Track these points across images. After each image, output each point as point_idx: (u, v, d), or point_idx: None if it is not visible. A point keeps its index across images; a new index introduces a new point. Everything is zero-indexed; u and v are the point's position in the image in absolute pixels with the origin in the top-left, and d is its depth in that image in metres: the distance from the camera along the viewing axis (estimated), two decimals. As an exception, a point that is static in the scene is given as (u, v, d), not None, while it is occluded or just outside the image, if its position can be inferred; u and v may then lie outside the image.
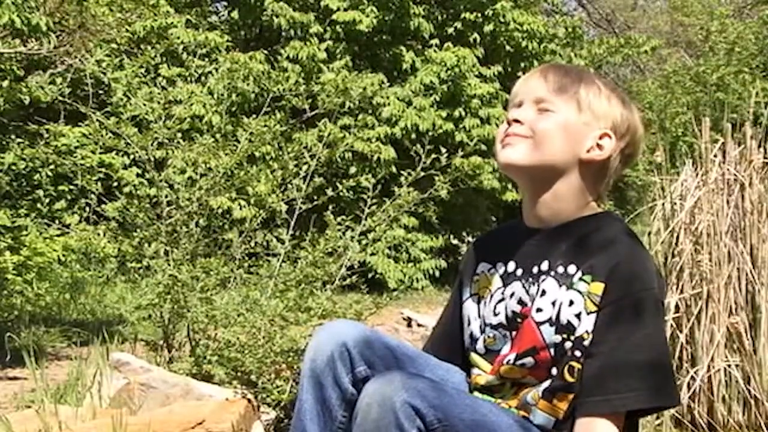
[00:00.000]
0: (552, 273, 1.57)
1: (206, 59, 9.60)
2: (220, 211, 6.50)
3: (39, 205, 8.45)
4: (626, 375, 1.47)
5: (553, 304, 1.55)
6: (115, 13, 7.32)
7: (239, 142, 4.04)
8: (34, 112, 8.21)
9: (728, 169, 3.52)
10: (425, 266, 10.10)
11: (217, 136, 5.39)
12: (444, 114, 10.16)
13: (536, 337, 1.55)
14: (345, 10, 10.13)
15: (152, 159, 3.78)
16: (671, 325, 3.36)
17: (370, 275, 8.49)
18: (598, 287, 1.52)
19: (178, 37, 9.40)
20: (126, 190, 5.77)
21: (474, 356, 1.66)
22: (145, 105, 3.90)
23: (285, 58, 9.79)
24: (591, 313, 1.51)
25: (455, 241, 10.33)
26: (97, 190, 4.22)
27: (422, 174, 3.93)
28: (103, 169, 6.75)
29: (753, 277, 3.39)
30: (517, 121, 1.61)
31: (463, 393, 1.57)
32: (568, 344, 1.52)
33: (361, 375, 1.54)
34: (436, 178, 3.99)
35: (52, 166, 8.15)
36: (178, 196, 3.69)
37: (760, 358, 3.32)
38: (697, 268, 3.39)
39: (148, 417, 2.58)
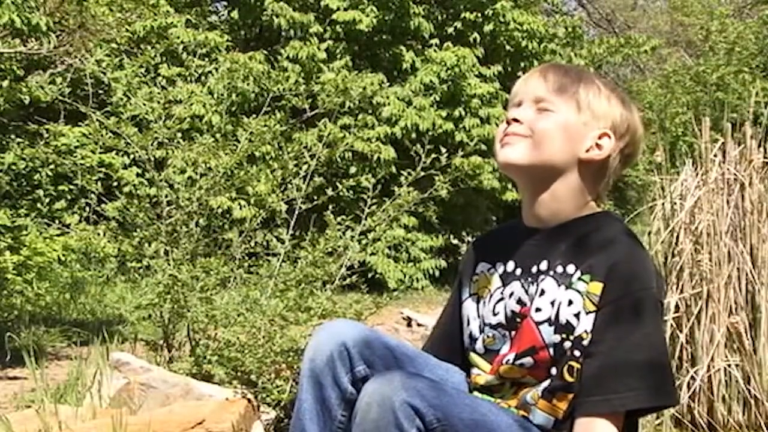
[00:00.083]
0: (551, 273, 1.57)
1: (206, 59, 9.60)
2: (220, 210, 6.49)
3: (39, 205, 8.46)
4: (625, 374, 1.47)
5: (552, 303, 1.55)
6: (115, 13, 7.32)
7: (239, 142, 4.03)
8: (34, 112, 8.21)
9: (728, 169, 3.52)
10: (425, 266, 10.10)
11: (217, 135, 5.39)
12: (444, 114, 10.16)
13: (535, 336, 1.55)
14: (345, 9, 10.13)
15: (152, 159, 3.77)
16: (671, 325, 3.36)
17: (370, 275, 8.49)
18: (596, 287, 1.52)
19: (178, 37, 9.40)
20: (126, 189, 5.78)
21: (473, 356, 1.67)
22: (145, 105, 3.90)
23: (285, 58, 9.79)
24: (590, 312, 1.51)
25: (455, 241, 10.33)
26: (97, 189, 4.22)
27: (422, 174, 3.93)
28: (103, 169, 6.76)
29: (753, 277, 3.39)
30: (516, 120, 1.61)
31: (462, 393, 1.57)
32: (567, 344, 1.52)
33: (360, 375, 1.55)
34: (436, 177, 3.98)
35: (52, 166, 8.15)
36: (178, 196, 3.69)
37: (760, 358, 3.32)
38: (697, 268, 3.39)
39: (148, 417, 2.57)
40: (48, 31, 5.64)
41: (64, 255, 5.48)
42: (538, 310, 1.56)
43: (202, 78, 9.58)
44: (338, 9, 10.10)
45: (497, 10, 10.76)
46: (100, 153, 8.15)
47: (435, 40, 10.61)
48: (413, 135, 9.57)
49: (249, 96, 9.05)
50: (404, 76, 10.48)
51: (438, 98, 10.22)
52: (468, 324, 1.69)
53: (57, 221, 7.52)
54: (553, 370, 1.54)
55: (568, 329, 1.52)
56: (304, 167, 3.97)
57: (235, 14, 10.91)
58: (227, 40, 9.98)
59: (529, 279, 1.60)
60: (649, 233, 3.62)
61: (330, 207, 3.87)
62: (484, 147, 8.40)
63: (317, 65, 9.87)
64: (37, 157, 7.77)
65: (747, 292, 3.40)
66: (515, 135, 1.60)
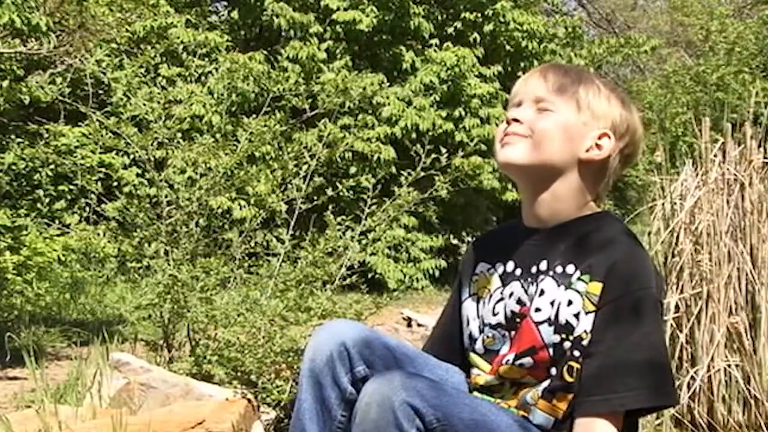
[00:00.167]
0: (551, 273, 1.57)
1: (206, 59, 9.60)
2: (220, 211, 6.49)
3: (39, 205, 8.46)
4: (625, 374, 1.47)
5: (552, 303, 1.55)
6: (115, 13, 7.32)
7: (239, 142, 4.03)
8: (34, 112, 8.21)
9: (728, 169, 3.52)
10: (425, 266, 10.10)
11: (217, 136, 5.39)
12: (444, 114, 10.16)
13: (535, 336, 1.55)
14: (345, 9, 10.13)
15: (152, 159, 3.77)
16: (671, 325, 3.36)
17: (370, 275, 8.48)
18: (596, 287, 1.52)
19: (178, 37, 9.40)
20: (126, 190, 5.77)
21: (473, 356, 1.67)
22: (145, 105, 3.90)
23: (285, 58, 9.79)
24: (589, 312, 1.51)
25: (455, 241, 10.33)
26: (97, 190, 4.21)
27: (422, 174, 3.93)
28: (103, 169, 6.76)
29: (753, 277, 3.39)
30: (516, 120, 1.61)
31: (462, 393, 1.57)
32: (566, 344, 1.52)
33: (360, 375, 1.55)
34: (436, 178, 3.98)
35: (52, 166, 8.15)
36: (178, 196, 3.69)
37: (760, 358, 3.32)
38: (697, 268, 3.39)
39: (148, 417, 2.57)
40: (48, 31, 5.64)
41: (64, 255, 5.48)
42: (537, 310, 1.56)
43: (202, 78, 9.58)
44: (338, 9, 10.10)
45: (497, 10, 10.76)
46: (100, 153, 8.15)
47: (435, 40, 10.61)
48: (413, 135, 9.57)
49: (249, 96, 9.05)
50: (404, 76, 10.48)
51: (438, 98, 10.22)
52: (468, 324, 1.69)
53: (57, 221, 7.52)
54: (553, 370, 1.54)
55: (567, 329, 1.52)
56: (304, 167, 3.97)
57: (235, 14, 10.91)
58: (227, 40, 9.97)
59: (529, 279, 1.60)
60: (649, 233, 3.61)
61: (330, 207, 3.87)
62: (484, 147, 8.39)
63: (317, 65, 9.87)
64: (37, 157, 7.76)
65: (747, 292, 3.40)
66: (515, 135, 1.60)
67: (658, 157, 3.78)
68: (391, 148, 9.72)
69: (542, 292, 1.56)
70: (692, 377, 3.30)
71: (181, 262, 3.50)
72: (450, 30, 10.83)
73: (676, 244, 3.49)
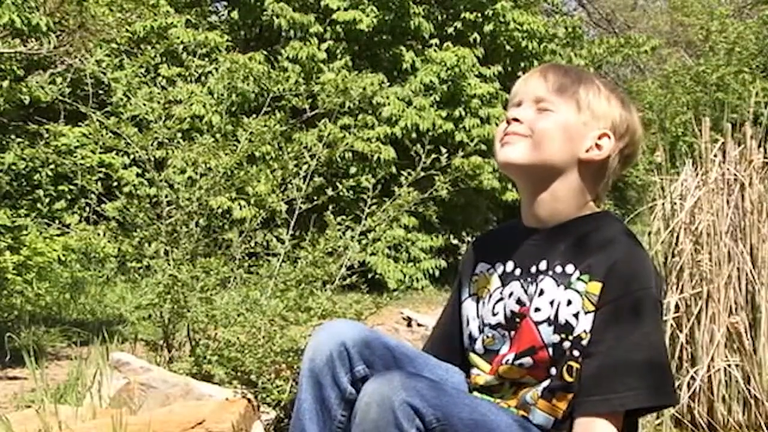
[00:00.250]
0: (550, 273, 1.57)
1: (206, 59, 9.59)
2: (220, 211, 6.49)
3: (39, 205, 8.45)
4: (625, 374, 1.47)
5: (552, 303, 1.55)
6: (115, 13, 7.32)
7: (239, 142, 4.03)
8: (34, 112, 8.21)
9: (728, 169, 3.52)
10: (425, 266, 10.10)
11: (217, 136, 5.38)
12: (444, 114, 10.16)
13: (535, 336, 1.55)
14: (345, 9, 10.12)
15: (152, 159, 3.77)
16: (671, 325, 3.36)
17: (370, 275, 8.48)
18: (596, 287, 1.52)
19: (178, 37, 9.40)
20: (126, 190, 5.77)
21: (473, 356, 1.67)
22: (145, 105, 3.90)
23: (285, 58, 9.78)
24: (589, 312, 1.51)
25: (455, 241, 10.31)
26: (97, 190, 4.22)
27: (422, 174, 3.93)
28: (103, 169, 6.77)
29: (753, 277, 3.39)
30: (516, 120, 1.61)
31: (462, 393, 1.57)
32: (566, 344, 1.52)
33: (359, 374, 1.55)
34: (436, 178, 3.98)
35: (52, 166, 8.15)
36: (178, 196, 3.69)
37: (760, 358, 3.32)
38: (697, 268, 3.39)
39: (148, 417, 2.57)
40: (48, 31, 5.64)
41: (64, 255, 5.48)
42: (537, 310, 1.56)
43: (202, 78, 9.57)
44: (338, 9, 10.10)
45: (497, 10, 10.75)
46: (100, 153, 8.15)
47: (435, 40, 10.60)
48: (413, 135, 9.56)
49: (249, 96, 9.05)
50: (404, 76, 10.47)
51: (438, 98, 10.22)
52: (467, 324, 1.69)
53: (57, 221, 7.52)
54: (553, 370, 1.54)
55: (567, 329, 1.53)
56: (304, 167, 3.97)
57: (235, 14, 10.91)
58: (227, 41, 9.97)
59: (529, 279, 1.60)
60: (649, 233, 3.61)
61: (330, 207, 3.87)
62: (484, 147, 8.37)
63: (317, 65, 9.86)
64: (37, 157, 7.77)
65: (747, 292, 3.40)
66: (515, 134, 1.60)
67: (658, 157, 3.78)
68: (391, 148, 9.72)
69: (542, 292, 1.56)
70: (692, 377, 3.30)
71: (181, 262, 3.50)
72: (450, 30, 10.83)
73: (676, 244, 3.49)
